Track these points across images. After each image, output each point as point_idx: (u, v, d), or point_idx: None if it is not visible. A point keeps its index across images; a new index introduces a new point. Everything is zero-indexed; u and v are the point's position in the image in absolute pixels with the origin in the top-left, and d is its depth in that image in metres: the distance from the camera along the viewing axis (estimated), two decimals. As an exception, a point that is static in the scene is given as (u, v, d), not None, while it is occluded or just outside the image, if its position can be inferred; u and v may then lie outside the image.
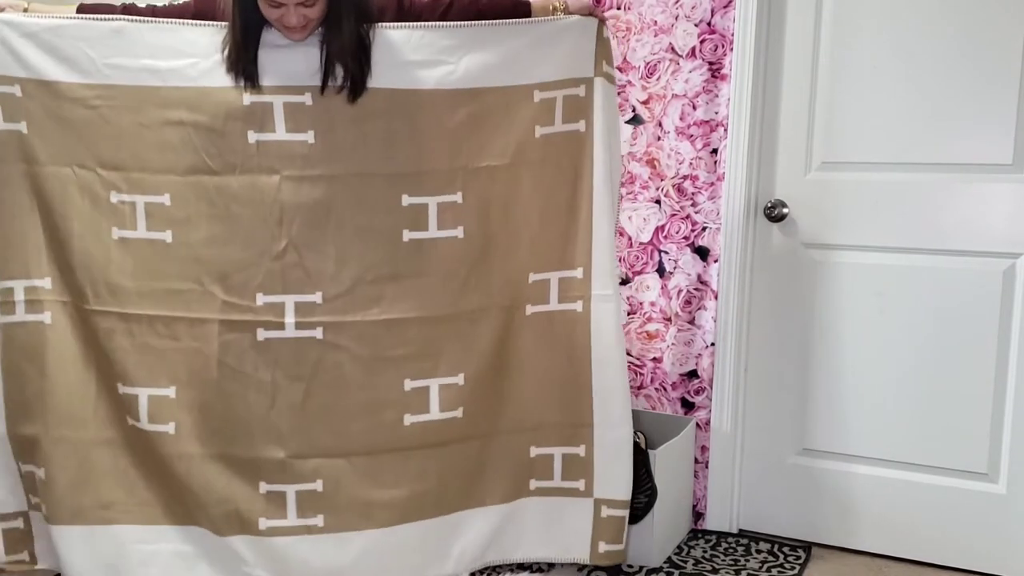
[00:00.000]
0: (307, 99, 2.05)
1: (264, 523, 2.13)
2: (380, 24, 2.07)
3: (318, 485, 2.13)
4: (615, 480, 2.28)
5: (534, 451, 2.28)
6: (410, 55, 2.08)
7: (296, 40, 2.03)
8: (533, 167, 2.19)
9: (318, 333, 2.10)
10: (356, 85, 2.04)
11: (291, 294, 2.09)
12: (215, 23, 2.06)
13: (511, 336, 2.24)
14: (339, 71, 2.03)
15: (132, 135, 2.06)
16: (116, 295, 2.10)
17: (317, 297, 2.09)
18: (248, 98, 2.04)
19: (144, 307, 2.10)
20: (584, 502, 2.29)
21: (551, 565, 2.53)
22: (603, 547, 2.29)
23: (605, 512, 2.28)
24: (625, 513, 2.29)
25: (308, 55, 2.04)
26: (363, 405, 2.13)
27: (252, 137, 2.05)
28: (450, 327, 2.17)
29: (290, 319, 2.09)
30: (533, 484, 2.29)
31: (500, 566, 2.35)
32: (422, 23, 2.09)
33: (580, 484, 2.28)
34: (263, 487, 2.12)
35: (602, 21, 2.21)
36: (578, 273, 2.23)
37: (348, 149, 2.07)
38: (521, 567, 2.48)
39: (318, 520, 2.14)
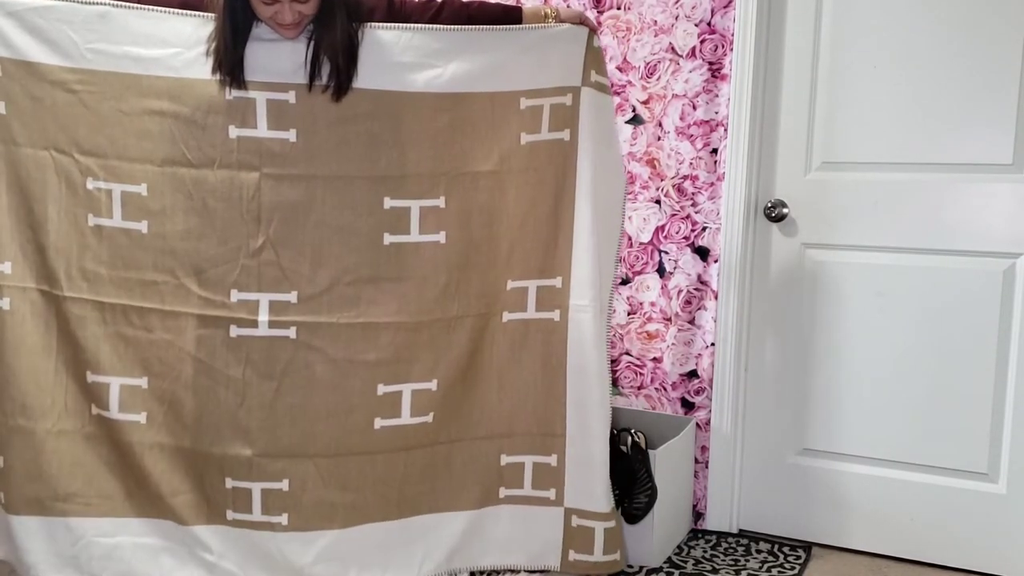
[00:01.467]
0: (291, 97, 2.04)
1: (230, 515, 2.13)
2: (370, 24, 2.06)
3: (284, 484, 2.13)
4: (588, 492, 2.26)
5: (504, 459, 2.28)
6: (398, 57, 2.07)
7: (288, 37, 2.02)
8: (517, 174, 2.19)
9: (291, 333, 2.09)
10: (341, 83, 2.03)
11: (266, 292, 2.08)
12: (202, 14, 2.04)
13: (486, 343, 2.23)
14: (325, 68, 2.02)
15: (111, 122, 2.05)
16: (91, 282, 2.09)
17: (292, 296, 2.09)
18: (231, 93, 2.03)
19: (119, 296, 2.09)
20: (554, 511, 2.29)
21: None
22: (573, 555, 2.29)
23: (576, 522, 2.28)
24: (597, 525, 2.27)
25: (295, 51, 2.02)
26: (333, 407, 2.13)
27: (233, 132, 2.04)
28: (426, 333, 2.17)
29: (264, 317, 2.08)
30: (503, 492, 2.29)
31: (500, 570, 2.35)
32: (412, 25, 2.08)
33: (551, 493, 2.28)
34: (229, 483, 2.12)
35: (593, 30, 2.20)
36: (557, 282, 2.23)
37: (330, 149, 2.07)
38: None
39: (282, 519, 2.14)
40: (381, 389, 2.15)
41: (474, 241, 2.18)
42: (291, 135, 2.05)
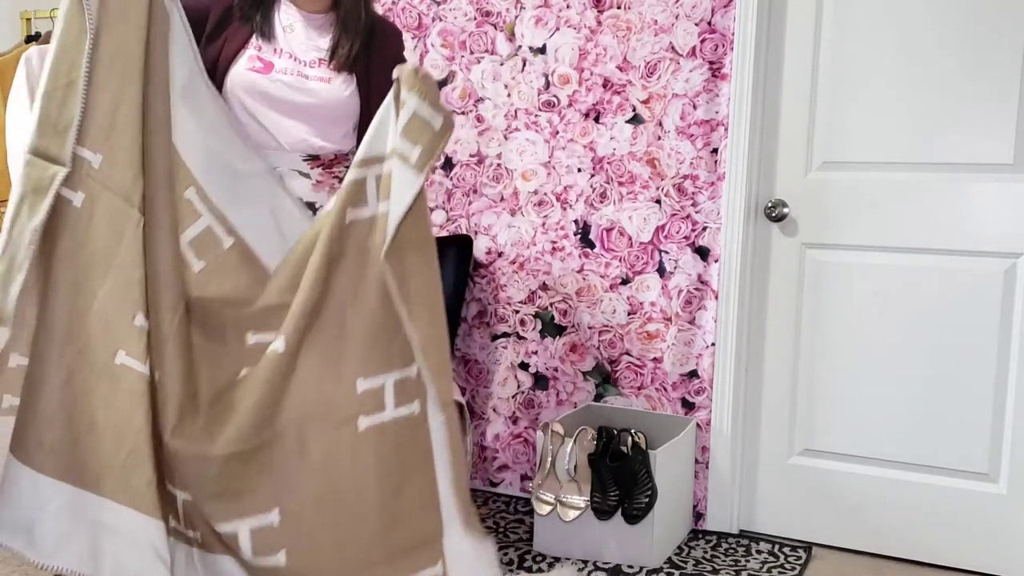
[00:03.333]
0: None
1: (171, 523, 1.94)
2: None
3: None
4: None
5: None
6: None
7: (308, 9, 2.07)
8: (344, 261, 1.92)
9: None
10: (343, 59, 2.08)
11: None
12: None
13: (342, 462, 1.89)
14: (343, 44, 2.07)
15: None
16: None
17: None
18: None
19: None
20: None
21: (551, 565, 2.53)
22: None
23: None
24: None
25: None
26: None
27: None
28: (266, 455, 1.89)
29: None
30: None
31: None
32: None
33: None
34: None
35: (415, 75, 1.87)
36: (411, 372, 1.93)
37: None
38: (521, 567, 2.48)
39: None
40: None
41: (316, 343, 1.91)
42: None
